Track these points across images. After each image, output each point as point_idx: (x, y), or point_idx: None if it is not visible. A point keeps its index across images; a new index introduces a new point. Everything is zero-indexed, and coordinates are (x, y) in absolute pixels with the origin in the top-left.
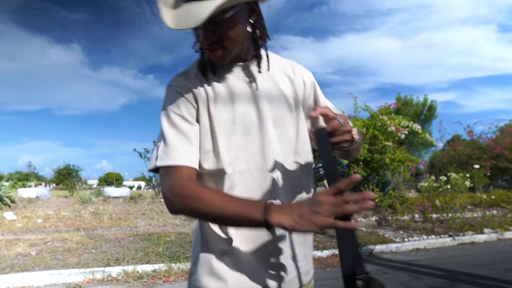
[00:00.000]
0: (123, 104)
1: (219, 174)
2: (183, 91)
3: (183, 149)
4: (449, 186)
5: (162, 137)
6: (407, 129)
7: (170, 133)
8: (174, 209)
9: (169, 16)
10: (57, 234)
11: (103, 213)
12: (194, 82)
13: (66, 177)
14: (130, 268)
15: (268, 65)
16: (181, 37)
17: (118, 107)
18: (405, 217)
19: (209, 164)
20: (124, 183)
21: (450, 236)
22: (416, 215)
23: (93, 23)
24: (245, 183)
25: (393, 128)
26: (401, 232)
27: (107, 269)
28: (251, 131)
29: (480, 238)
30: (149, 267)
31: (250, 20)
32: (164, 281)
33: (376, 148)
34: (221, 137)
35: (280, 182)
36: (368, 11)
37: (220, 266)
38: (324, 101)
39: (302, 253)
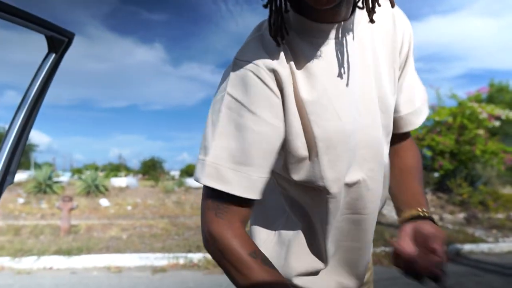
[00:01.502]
0: (201, 98)
1: (320, 194)
2: (261, 71)
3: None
4: None
5: (215, 136)
6: (502, 116)
7: (233, 136)
8: (206, 248)
9: None
10: (144, 221)
11: (185, 202)
12: (274, 55)
13: (151, 168)
14: (210, 256)
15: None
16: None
17: (197, 101)
18: (500, 215)
19: (304, 176)
20: None
21: None
22: None
23: (173, 22)
24: (356, 200)
25: (485, 115)
26: (495, 231)
27: (189, 255)
28: (359, 121)
29: None
30: None
31: None
32: None
33: (464, 139)
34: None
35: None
36: None
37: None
38: (411, 75)
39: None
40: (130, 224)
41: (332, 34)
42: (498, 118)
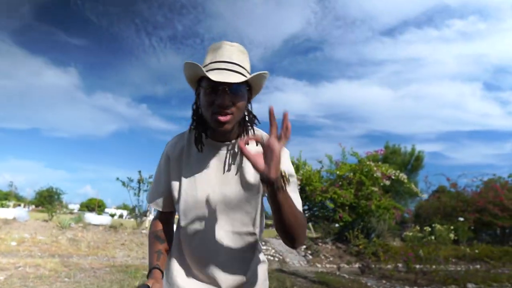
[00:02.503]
0: (113, 131)
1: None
2: (167, 160)
3: (160, 199)
4: (433, 237)
5: (153, 183)
6: (393, 176)
7: (156, 184)
8: None
9: (211, 73)
10: (30, 259)
11: (81, 240)
12: (179, 151)
13: (47, 200)
14: None
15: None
16: (176, 71)
17: (108, 133)
18: (389, 266)
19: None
20: (106, 210)
21: None
22: (400, 265)
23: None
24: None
25: (379, 174)
26: (384, 281)
27: None
28: (211, 203)
29: None
30: None
31: (249, 101)
32: None
33: (362, 193)
34: (181, 204)
35: (228, 246)
36: (361, 60)
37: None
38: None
39: (240, 269)
40: (11, 263)
41: (219, 149)
42: (390, 177)
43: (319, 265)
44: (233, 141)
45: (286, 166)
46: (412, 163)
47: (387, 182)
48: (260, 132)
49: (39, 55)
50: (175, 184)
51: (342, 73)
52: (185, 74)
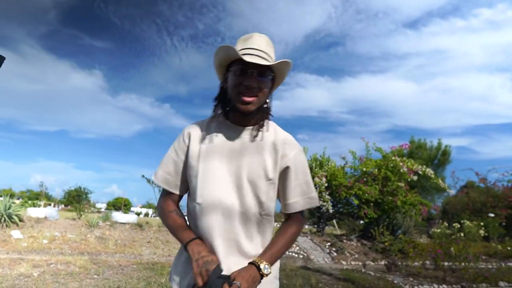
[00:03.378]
0: (138, 131)
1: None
2: (185, 138)
3: (173, 179)
4: (462, 234)
5: (166, 160)
6: (419, 171)
7: (169, 162)
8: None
9: (244, 56)
10: (61, 257)
11: (108, 238)
12: (199, 133)
13: (75, 199)
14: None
15: (263, 135)
16: (198, 70)
17: (133, 133)
18: (416, 263)
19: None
20: (132, 209)
21: (462, 287)
22: (427, 262)
23: (116, 51)
24: (208, 214)
25: (405, 169)
26: (411, 279)
27: None
28: (227, 182)
29: None
30: None
31: (271, 91)
32: None
33: (387, 189)
34: (199, 181)
35: (241, 225)
36: (384, 53)
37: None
38: (296, 180)
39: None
40: (44, 260)
41: (238, 132)
42: (416, 172)
43: (344, 262)
44: (251, 126)
45: (300, 161)
46: (438, 158)
47: (414, 177)
48: (273, 126)
49: (66, 59)
50: (193, 162)
51: (365, 68)
52: (216, 58)
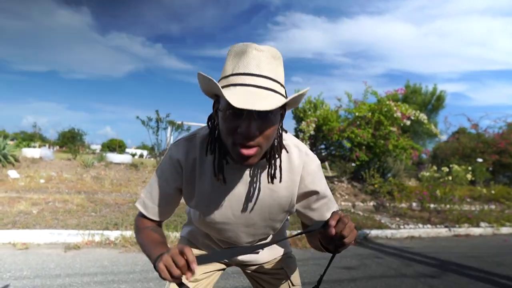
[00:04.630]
0: (129, 71)
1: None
2: (177, 168)
3: (153, 207)
4: (450, 178)
5: (149, 187)
6: (412, 117)
7: (154, 190)
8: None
9: (231, 94)
10: (58, 195)
11: (104, 178)
12: (191, 164)
13: (70, 140)
14: (128, 233)
15: (281, 176)
16: (191, 8)
17: (124, 74)
18: (403, 205)
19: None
20: (127, 150)
21: (446, 226)
22: (414, 204)
23: None
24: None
25: (399, 114)
26: (398, 219)
27: (106, 232)
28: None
29: (476, 231)
30: None
31: (281, 122)
32: None
33: (380, 133)
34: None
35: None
36: None
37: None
38: (319, 203)
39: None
40: (42, 198)
41: (241, 171)
42: (409, 118)
43: None
44: (261, 165)
45: (321, 183)
46: (432, 103)
47: (407, 122)
48: (291, 142)
49: None
50: (190, 203)
51: (363, 9)
52: (200, 87)
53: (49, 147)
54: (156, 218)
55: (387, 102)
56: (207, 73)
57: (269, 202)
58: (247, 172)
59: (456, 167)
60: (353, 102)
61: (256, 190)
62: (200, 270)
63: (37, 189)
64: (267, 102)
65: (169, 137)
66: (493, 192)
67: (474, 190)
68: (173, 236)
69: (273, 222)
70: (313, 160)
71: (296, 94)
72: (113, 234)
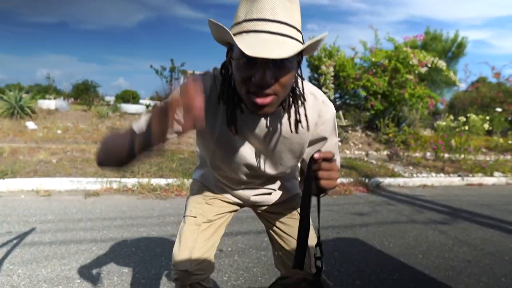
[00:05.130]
0: (140, 21)
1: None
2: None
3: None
4: (466, 128)
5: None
6: (430, 64)
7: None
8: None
9: (244, 41)
10: (75, 145)
11: (119, 128)
12: (214, 101)
13: (84, 92)
14: (144, 180)
15: (308, 125)
16: None
17: (135, 23)
18: (417, 154)
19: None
20: (141, 101)
21: (459, 176)
22: (428, 153)
23: None
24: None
25: (415, 61)
26: (411, 168)
27: (123, 180)
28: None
29: (489, 180)
30: (162, 181)
31: (299, 68)
32: (176, 195)
33: (396, 81)
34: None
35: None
36: None
37: (208, 175)
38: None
39: (279, 184)
40: (60, 148)
41: (257, 118)
42: (426, 65)
43: (347, 152)
44: (278, 114)
45: (332, 132)
46: (453, 51)
47: (422, 70)
48: (307, 90)
49: None
50: (204, 137)
51: None
52: (212, 35)
53: (64, 99)
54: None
55: (404, 49)
56: (220, 21)
57: (282, 149)
58: (262, 121)
59: (473, 116)
60: (369, 50)
61: (270, 139)
62: (213, 211)
63: (55, 140)
64: (282, 49)
65: None
66: (510, 142)
67: (491, 140)
68: (188, 183)
69: (284, 168)
70: (329, 109)
71: (313, 40)
72: (130, 182)
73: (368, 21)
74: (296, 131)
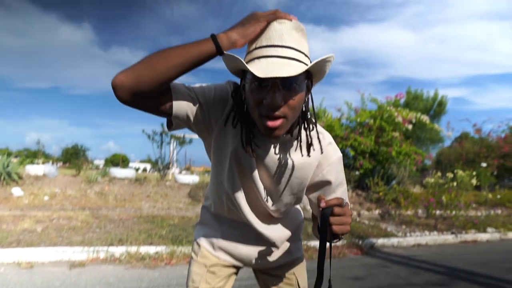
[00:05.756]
0: None
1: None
2: (225, 99)
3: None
4: (455, 183)
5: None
6: (414, 119)
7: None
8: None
9: (255, 66)
10: (62, 212)
11: (108, 193)
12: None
13: (73, 156)
14: (133, 249)
15: (321, 147)
16: (191, 21)
17: None
18: (409, 212)
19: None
20: (130, 164)
21: (452, 233)
22: (420, 211)
23: (104, 2)
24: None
25: (400, 119)
26: (404, 226)
27: (111, 248)
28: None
29: (483, 237)
30: (151, 249)
31: (309, 93)
32: (166, 263)
33: (383, 140)
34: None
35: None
36: (382, 1)
37: (211, 233)
38: (334, 194)
39: (280, 237)
40: (46, 215)
41: (268, 143)
42: (411, 122)
43: None
44: (284, 135)
45: (339, 175)
46: (434, 109)
47: (409, 126)
48: (326, 136)
49: (52, 11)
50: (221, 155)
51: (362, 17)
52: (227, 67)
53: (52, 164)
54: (172, 115)
55: (388, 108)
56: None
57: (283, 180)
58: (272, 147)
59: (460, 172)
60: (353, 110)
61: (278, 167)
62: (215, 278)
63: (41, 207)
64: (290, 69)
65: (173, 150)
66: (498, 196)
67: (480, 195)
68: (178, 250)
69: (281, 204)
70: (335, 151)
71: (319, 59)
72: (118, 250)
73: (351, 82)
74: (308, 154)
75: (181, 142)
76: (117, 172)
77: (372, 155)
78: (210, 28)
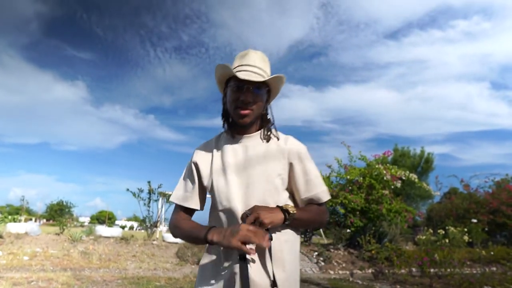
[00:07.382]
0: (122, 142)
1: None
2: (194, 169)
3: (185, 194)
4: (447, 240)
5: (180, 182)
6: (403, 177)
7: (182, 182)
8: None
9: (238, 73)
10: (42, 273)
11: (92, 253)
12: (207, 152)
13: (58, 213)
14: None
15: (268, 137)
16: (182, 81)
17: (117, 145)
18: (403, 271)
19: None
20: (117, 222)
21: None
22: (414, 269)
23: (99, 62)
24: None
25: (389, 176)
26: (398, 286)
27: None
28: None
29: None
30: None
31: (268, 103)
32: None
33: (373, 197)
34: (215, 190)
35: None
36: (366, 63)
37: None
38: (305, 171)
39: None
40: (24, 277)
41: (242, 139)
42: (400, 178)
43: (331, 272)
44: (254, 133)
45: (306, 157)
46: (422, 166)
47: (398, 184)
48: (275, 132)
49: (47, 69)
50: (206, 181)
51: (348, 78)
52: (216, 75)
53: (35, 221)
54: (188, 204)
55: (377, 166)
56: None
57: (261, 167)
58: (246, 140)
59: (452, 229)
60: (343, 167)
61: (251, 153)
62: None
63: (20, 267)
64: (258, 77)
65: (161, 208)
66: (492, 253)
67: (473, 252)
68: None
69: (268, 193)
70: (297, 141)
71: (274, 75)
72: None
73: (340, 140)
74: (267, 141)
75: (169, 199)
76: (103, 230)
77: (363, 212)
78: (200, 87)
